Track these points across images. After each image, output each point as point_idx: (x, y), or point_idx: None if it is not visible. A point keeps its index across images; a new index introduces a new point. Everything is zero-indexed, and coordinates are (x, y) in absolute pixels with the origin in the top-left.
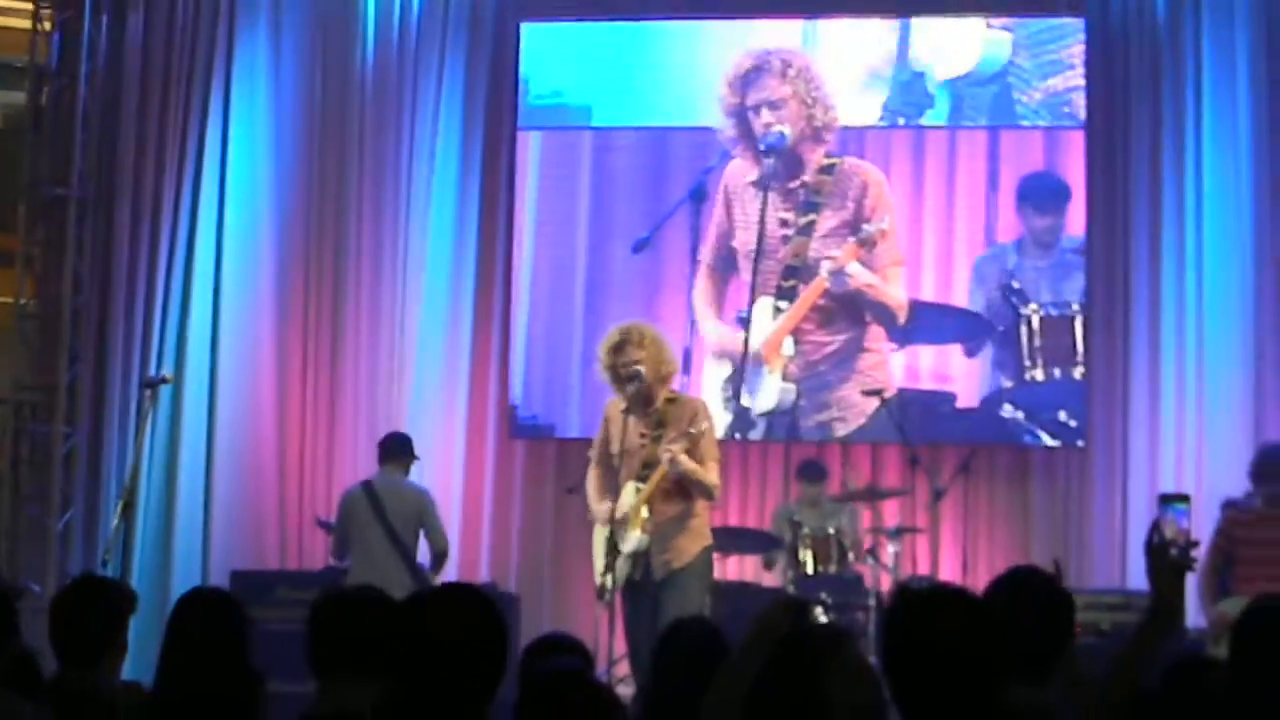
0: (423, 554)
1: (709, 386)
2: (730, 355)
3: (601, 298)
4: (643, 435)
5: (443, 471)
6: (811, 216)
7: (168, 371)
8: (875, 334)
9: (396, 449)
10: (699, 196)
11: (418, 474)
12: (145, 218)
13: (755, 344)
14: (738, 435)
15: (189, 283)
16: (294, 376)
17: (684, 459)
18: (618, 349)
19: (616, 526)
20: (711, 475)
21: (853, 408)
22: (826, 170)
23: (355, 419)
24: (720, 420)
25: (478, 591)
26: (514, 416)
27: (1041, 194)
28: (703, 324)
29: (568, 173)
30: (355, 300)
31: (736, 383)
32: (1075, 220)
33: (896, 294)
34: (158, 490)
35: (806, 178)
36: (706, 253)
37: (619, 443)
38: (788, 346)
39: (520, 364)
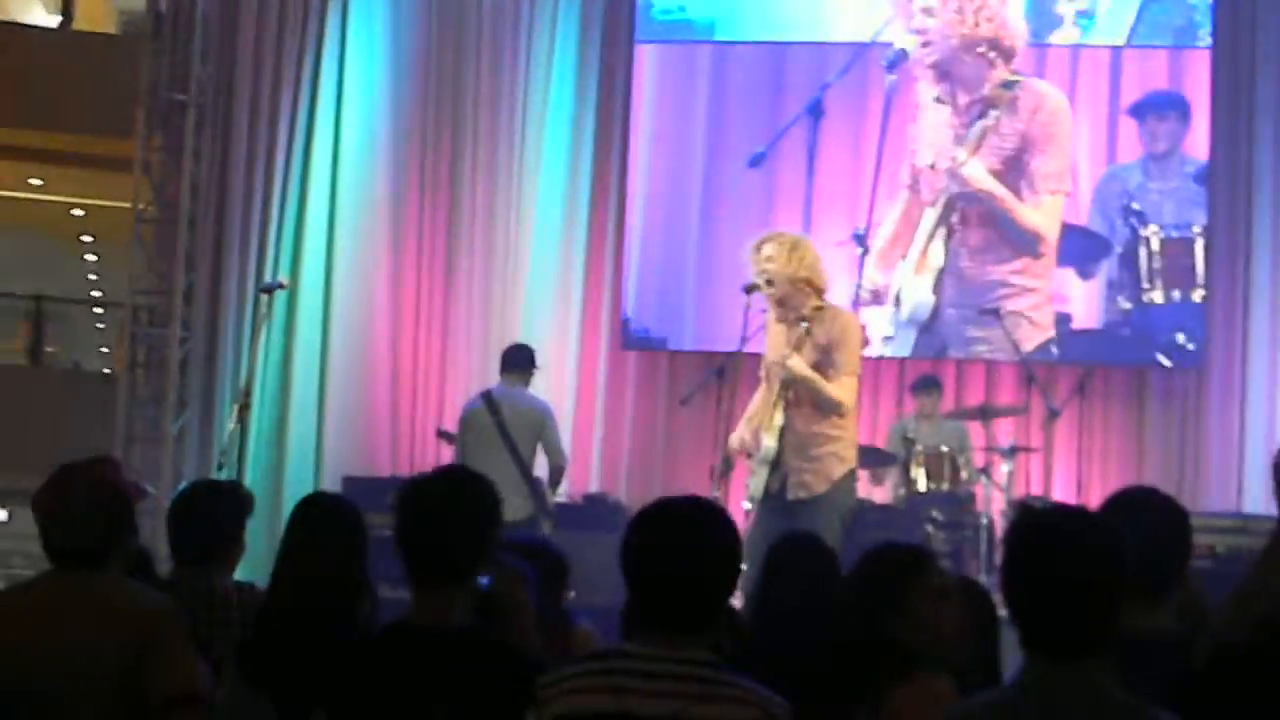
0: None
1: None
2: (882, 269)
3: (716, 212)
4: (788, 343)
5: (555, 382)
6: (983, 131)
7: (283, 277)
8: (1018, 258)
9: (518, 359)
10: (816, 112)
11: (532, 386)
12: (262, 125)
13: (909, 255)
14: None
15: (305, 190)
16: (408, 285)
17: (798, 366)
18: (758, 248)
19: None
20: (835, 389)
21: (974, 326)
22: (1006, 86)
23: (469, 328)
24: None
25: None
26: (627, 328)
27: (1163, 109)
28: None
29: (685, 87)
30: (470, 210)
31: (885, 297)
32: (1197, 143)
33: (1037, 218)
34: (272, 395)
35: (984, 92)
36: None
37: (770, 352)
38: (935, 258)
39: (634, 277)
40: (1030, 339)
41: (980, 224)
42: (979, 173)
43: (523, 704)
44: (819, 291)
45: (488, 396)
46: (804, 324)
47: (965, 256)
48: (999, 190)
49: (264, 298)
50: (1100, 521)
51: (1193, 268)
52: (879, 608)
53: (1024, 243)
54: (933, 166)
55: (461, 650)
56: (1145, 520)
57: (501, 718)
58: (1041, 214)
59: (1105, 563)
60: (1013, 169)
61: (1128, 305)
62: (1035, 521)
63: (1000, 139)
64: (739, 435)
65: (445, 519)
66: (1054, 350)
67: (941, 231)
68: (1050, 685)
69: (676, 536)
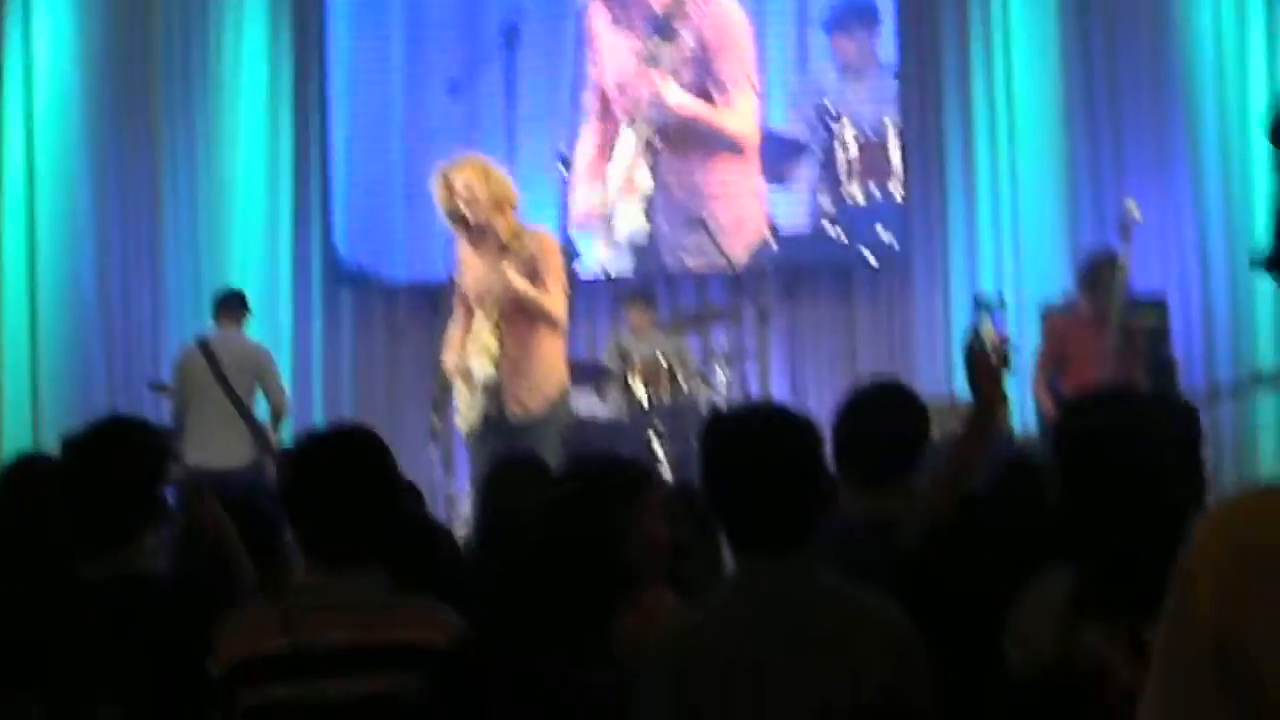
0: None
1: (571, 225)
2: (589, 193)
3: (421, 142)
4: (490, 268)
5: (271, 323)
6: (662, 47)
7: None
8: (722, 166)
9: (230, 304)
10: (511, 36)
11: (248, 328)
12: None
13: (614, 179)
14: (595, 274)
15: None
16: (114, 239)
17: (516, 279)
18: (451, 175)
19: (467, 360)
20: (550, 301)
21: (683, 238)
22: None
23: (179, 277)
24: (588, 258)
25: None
26: (339, 264)
27: (851, 20)
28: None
29: (380, 17)
30: (171, 157)
31: (590, 220)
32: (887, 45)
33: (735, 123)
34: None
35: (656, 9)
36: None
37: (469, 279)
38: (642, 181)
39: (343, 212)
40: (742, 247)
41: (682, 139)
42: (674, 93)
43: (193, 647)
44: (513, 212)
45: (202, 342)
46: (501, 247)
47: (671, 173)
48: (698, 107)
49: None
50: (789, 417)
51: (890, 167)
52: (606, 531)
53: (727, 150)
54: (620, 89)
55: (125, 598)
56: (881, 412)
57: (168, 664)
58: (738, 118)
59: (796, 456)
60: (700, 79)
61: (830, 206)
62: (724, 423)
63: (680, 52)
64: (450, 363)
65: (108, 482)
66: (765, 255)
67: (645, 153)
68: (760, 582)
69: (331, 471)
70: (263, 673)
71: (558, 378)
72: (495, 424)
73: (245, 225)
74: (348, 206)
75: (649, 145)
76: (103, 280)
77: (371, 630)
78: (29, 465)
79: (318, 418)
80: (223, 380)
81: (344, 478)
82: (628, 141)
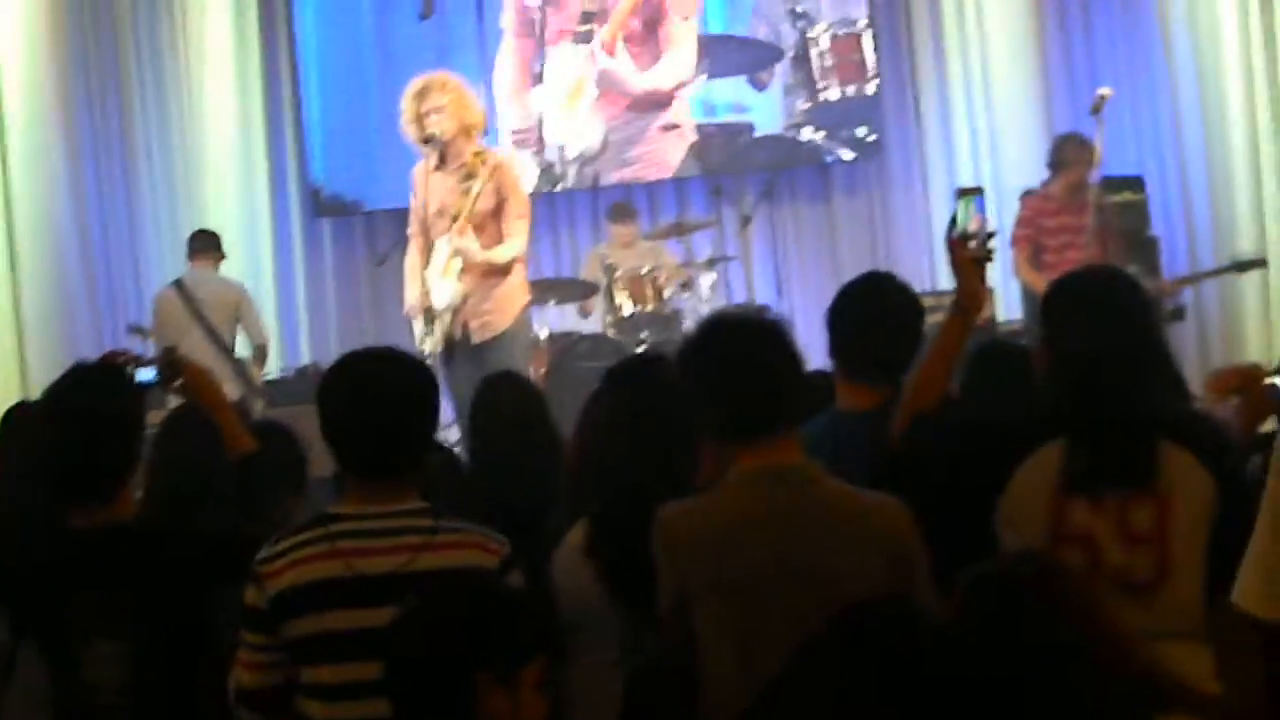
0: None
1: (512, 141)
2: (534, 109)
3: (393, 68)
4: (451, 190)
5: (252, 259)
6: None
7: None
8: (676, 73)
9: (205, 244)
10: None
11: (229, 266)
12: None
13: (558, 93)
14: (547, 188)
15: None
16: (88, 182)
17: (471, 249)
18: (421, 95)
19: (429, 285)
20: (508, 248)
21: (655, 146)
22: None
23: (156, 217)
24: (529, 176)
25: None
26: (318, 195)
27: None
28: (508, 85)
29: None
30: (141, 95)
31: (539, 134)
32: None
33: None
34: None
35: None
36: (508, 18)
37: (430, 203)
38: (589, 90)
39: (319, 142)
40: (710, 153)
41: (626, 42)
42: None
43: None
44: (479, 135)
45: (179, 283)
46: (464, 170)
47: (627, 80)
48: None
49: None
50: (755, 319)
51: (862, 61)
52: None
53: (670, 60)
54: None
55: (113, 547)
56: (875, 304)
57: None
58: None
59: (766, 350)
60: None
61: (806, 105)
62: (700, 328)
63: None
64: (412, 298)
65: (93, 435)
66: (729, 161)
67: (587, 62)
68: (747, 478)
69: (380, 389)
70: (313, 602)
71: (519, 296)
72: (461, 346)
73: (220, 161)
74: (323, 136)
75: (589, 52)
76: (80, 225)
77: (419, 556)
78: (21, 413)
79: (304, 349)
80: (201, 319)
81: (392, 396)
82: (568, 55)
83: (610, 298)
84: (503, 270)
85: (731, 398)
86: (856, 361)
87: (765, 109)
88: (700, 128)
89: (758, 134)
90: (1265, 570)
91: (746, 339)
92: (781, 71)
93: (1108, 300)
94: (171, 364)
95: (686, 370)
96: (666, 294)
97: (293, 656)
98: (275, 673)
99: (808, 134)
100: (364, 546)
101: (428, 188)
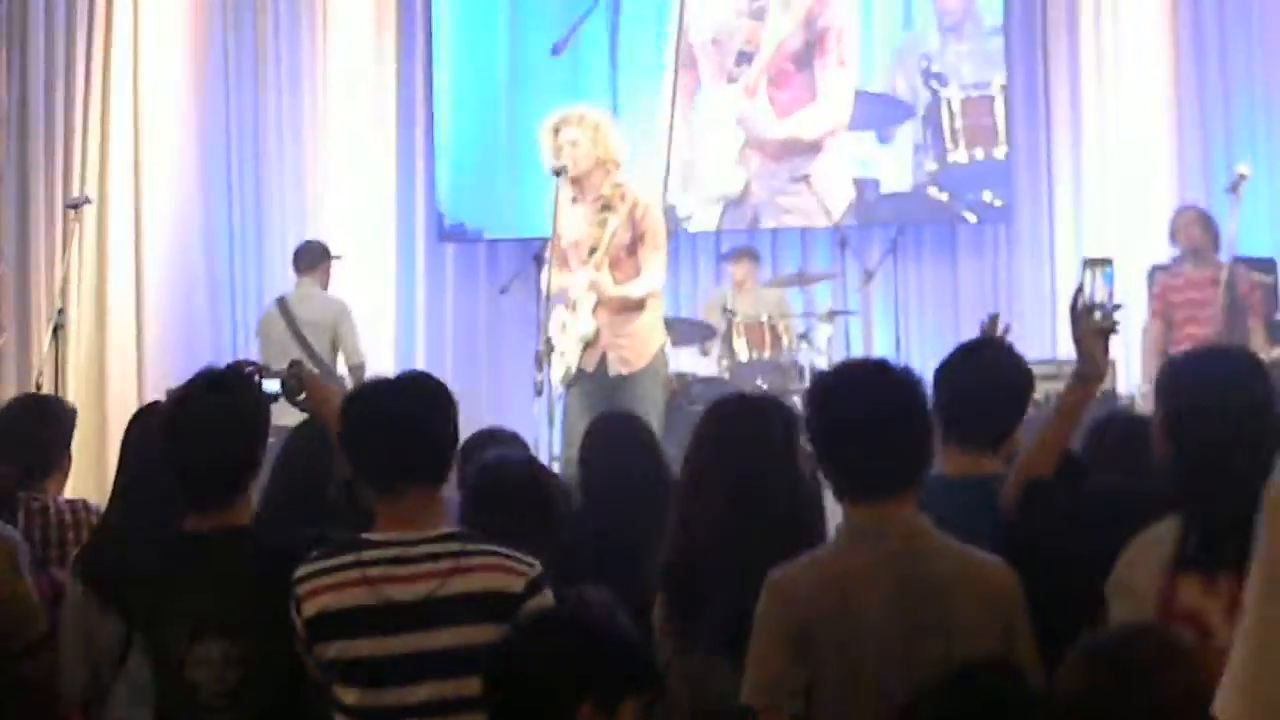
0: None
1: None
2: (679, 148)
3: (524, 100)
4: (588, 222)
5: (374, 280)
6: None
7: (90, 193)
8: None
9: (309, 257)
10: None
11: (350, 287)
12: (60, 41)
13: (704, 133)
14: (675, 228)
15: (107, 101)
16: (218, 192)
17: (604, 283)
18: (558, 127)
19: (566, 316)
20: (644, 282)
21: (796, 194)
22: None
23: (283, 233)
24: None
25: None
26: (441, 221)
27: None
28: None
29: None
30: (276, 114)
31: (681, 172)
32: (990, 2)
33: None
34: (89, 312)
35: None
36: (669, 54)
37: (567, 234)
38: (735, 134)
39: (446, 168)
40: (838, 205)
41: (780, 86)
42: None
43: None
44: (616, 170)
45: (281, 301)
46: (602, 204)
47: (766, 126)
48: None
49: (72, 213)
50: (892, 369)
51: (994, 125)
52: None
53: (819, 107)
54: (714, 41)
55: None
56: (984, 370)
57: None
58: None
59: (900, 406)
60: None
61: (934, 166)
62: (830, 375)
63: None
64: (557, 322)
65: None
66: (855, 215)
67: (739, 103)
68: (862, 531)
69: (396, 413)
70: (343, 629)
71: (657, 332)
72: (595, 378)
73: (349, 181)
74: (451, 163)
75: (745, 93)
76: (209, 236)
77: (448, 581)
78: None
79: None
80: (299, 338)
81: (410, 418)
82: (719, 94)
83: (728, 342)
84: (637, 305)
85: (851, 461)
86: (961, 424)
87: (893, 165)
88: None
89: (884, 190)
90: (1245, 684)
91: (873, 395)
92: (912, 129)
93: (1229, 383)
94: (297, 377)
95: (809, 426)
96: (784, 343)
97: (325, 675)
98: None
99: (934, 194)
100: (394, 574)
101: (566, 219)
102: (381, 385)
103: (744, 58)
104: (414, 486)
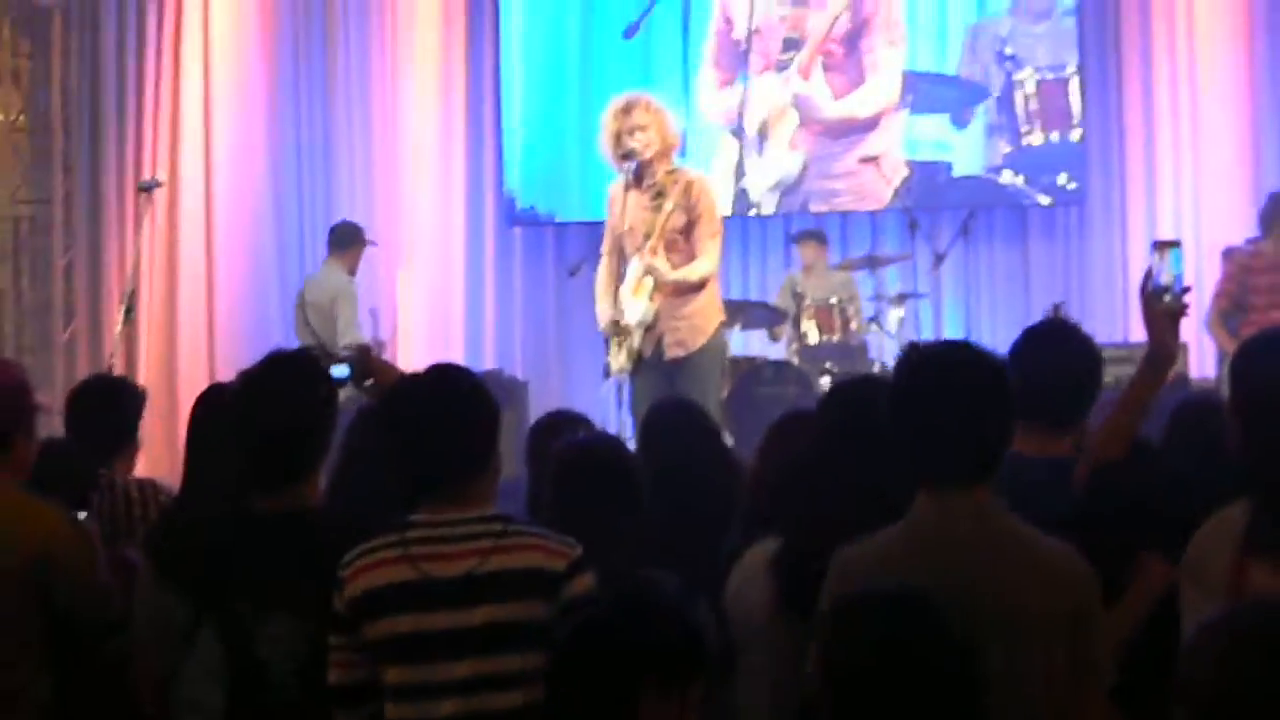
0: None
1: (716, 167)
2: (735, 133)
3: (594, 84)
4: (644, 208)
5: (444, 264)
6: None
7: (161, 175)
8: (875, 100)
9: (336, 238)
10: None
11: (420, 271)
12: (131, 24)
13: (759, 119)
14: (742, 212)
15: (178, 85)
16: (288, 175)
17: (661, 268)
18: (624, 113)
19: (622, 302)
20: (700, 267)
21: (852, 176)
22: None
23: (352, 215)
24: (725, 197)
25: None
26: (511, 205)
27: None
28: (709, 107)
29: None
30: (346, 98)
31: (740, 159)
32: None
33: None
34: (160, 294)
35: None
36: (709, 44)
37: (624, 221)
38: (790, 117)
39: (516, 152)
40: (893, 186)
41: (826, 68)
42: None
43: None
44: (675, 155)
45: (301, 289)
46: (656, 189)
47: (819, 110)
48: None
49: (143, 197)
50: (979, 352)
51: (1069, 108)
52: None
53: (871, 87)
54: (756, 31)
55: (297, 529)
56: (1054, 353)
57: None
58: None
59: (985, 390)
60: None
61: (1008, 149)
62: (916, 357)
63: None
64: (603, 315)
65: (288, 420)
66: (922, 198)
67: (786, 89)
68: (938, 516)
69: (438, 402)
70: (385, 605)
71: (714, 314)
72: (653, 362)
73: (419, 165)
74: (520, 147)
75: (796, 81)
76: (278, 220)
77: (489, 558)
78: (215, 395)
79: (487, 355)
80: (305, 319)
81: (440, 424)
82: (768, 84)
83: (797, 325)
84: (695, 288)
85: (929, 445)
86: (1032, 409)
87: (966, 148)
88: (904, 162)
89: (956, 173)
90: None
91: (954, 379)
92: (985, 112)
93: None
94: (364, 362)
95: (891, 410)
96: (854, 326)
97: (373, 657)
98: (358, 671)
99: (1007, 177)
100: (436, 552)
101: (624, 206)
102: (407, 392)
103: (790, 44)
104: (457, 477)
